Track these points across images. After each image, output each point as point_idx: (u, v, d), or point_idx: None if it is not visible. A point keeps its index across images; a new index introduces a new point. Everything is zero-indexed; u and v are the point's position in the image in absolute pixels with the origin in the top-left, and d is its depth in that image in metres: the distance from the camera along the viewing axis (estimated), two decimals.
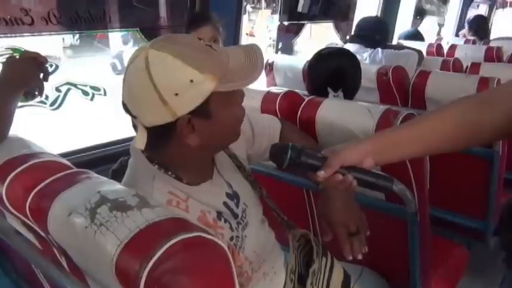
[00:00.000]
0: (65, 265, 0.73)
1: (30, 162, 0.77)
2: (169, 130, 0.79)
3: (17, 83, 0.95)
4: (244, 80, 0.81)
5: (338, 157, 0.81)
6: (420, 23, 4.46)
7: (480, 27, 4.06)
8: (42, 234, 0.71)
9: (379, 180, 0.84)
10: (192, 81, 0.75)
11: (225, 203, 0.92)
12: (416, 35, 3.74)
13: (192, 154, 0.85)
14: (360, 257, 0.95)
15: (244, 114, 0.90)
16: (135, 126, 0.83)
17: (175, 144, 0.82)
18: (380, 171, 0.89)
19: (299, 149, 0.81)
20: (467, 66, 2.63)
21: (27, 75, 0.97)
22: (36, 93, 1.00)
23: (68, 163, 0.81)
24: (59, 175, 0.73)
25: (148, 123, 0.79)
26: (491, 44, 3.64)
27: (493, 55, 3.16)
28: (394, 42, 3.46)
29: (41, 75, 1.01)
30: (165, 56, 0.75)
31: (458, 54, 3.24)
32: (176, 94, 0.75)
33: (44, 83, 1.01)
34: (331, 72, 1.51)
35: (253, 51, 0.84)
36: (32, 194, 0.71)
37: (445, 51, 3.34)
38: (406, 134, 0.88)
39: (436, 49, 3.26)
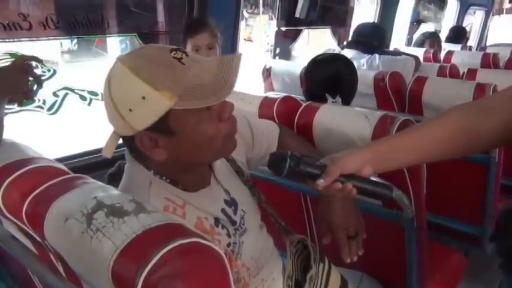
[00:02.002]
0: (62, 271, 0.72)
1: (26, 168, 0.76)
2: (135, 143, 0.79)
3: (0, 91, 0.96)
4: (210, 97, 0.75)
5: (337, 165, 0.80)
6: (417, 29, 4.49)
7: (455, 35, 4.14)
8: (39, 239, 0.71)
9: (378, 189, 0.84)
10: (144, 98, 0.73)
11: (222, 210, 0.91)
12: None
13: (172, 165, 0.83)
14: (355, 259, 0.96)
15: (232, 130, 0.85)
16: None
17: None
18: (377, 177, 0.89)
19: (298, 157, 0.81)
20: (463, 72, 2.64)
21: (10, 83, 0.97)
22: (24, 100, 1.01)
23: (65, 168, 0.81)
24: (55, 180, 0.73)
25: (118, 133, 0.80)
26: (488, 51, 3.66)
27: (490, 61, 3.18)
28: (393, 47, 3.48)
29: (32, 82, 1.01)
30: (124, 70, 0.74)
31: (454, 60, 3.25)
32: (130, 110, 0.74)
33: (39, 88, 1.02)
34: (328, 78, 1.52)
35: (229, 64, 0.78)
36: (29, 199, 0.70)
37: (442, 57, 3.36)
38: (404, 142, 0.88)
39: (433, 55, 3.27)
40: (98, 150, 1.76)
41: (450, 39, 4.09)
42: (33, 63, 1.00)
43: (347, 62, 1.59)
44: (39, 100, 1.68)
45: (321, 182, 0.80)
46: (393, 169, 0.88)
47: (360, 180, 0.82)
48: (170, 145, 0.79)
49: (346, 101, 1.53)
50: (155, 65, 0.75)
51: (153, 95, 0.72)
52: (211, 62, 0.80)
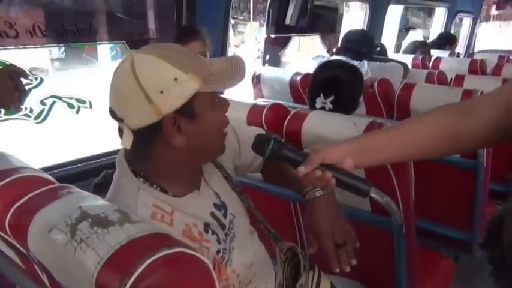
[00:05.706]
0: (47, 283, 0.71)
1: (11, 177, 0.75)
2: (156, 132, 0.81)
3: None
4: (227, 82, 0.84)
5: (319, 154, 0.83)
6: (406, 36, 4.53)
7: (443, 41, 4.20)
8: (23, 251, 0.69)
9: (357, 183, 0.85)
10: (176, 79, 0.78)
11: (212, 214, 0.91)
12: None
13: (178, 160, 0.85)
14: (347, 269, 0.94)
15: (228, 123, 0.91)
16: (120, 131, 0.83)
17: (162, 148, 0.83)
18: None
19: (281, 142, 0.85)
20: (451, 79, 2.67)
21: None
22: (12, 108, 1.01)
23: (50, 178, 0.80)
24: (39, 190, 0.72)
25: (134, 126, 0.81)
26: (476, 57, 3.71)
27: (477, 67, 3.21)
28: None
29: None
30: (151, 58, 0.79)
31: (442, 66, 3.29)
32: (161, 92, 0.77)
33: (25, 97, 1.02)
34: (326, 79, 1.52)
35: (235, 60, 0.88)
36: (12, 209, 0.69)
37: (430, 64, 3.39)
38: (388, 137, 0.90)
39: (421, 61, 3.31)
40: (85, 159, 1.74)
41: (438, 45, 4.12)
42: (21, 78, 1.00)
43: (352, 70, 1.58)
44: (25, 108, 1.66)
45: (301, 169, 0.83)
46: (375, 164, 0.90)
47: (340, 172, 0.84)
48: (191, 130, 0.82)
49: (345, 111, 1.51)
50: (179, 54, 0.82)
51: (184, 77, 0.79)
52: (220, 59, 0.91)
